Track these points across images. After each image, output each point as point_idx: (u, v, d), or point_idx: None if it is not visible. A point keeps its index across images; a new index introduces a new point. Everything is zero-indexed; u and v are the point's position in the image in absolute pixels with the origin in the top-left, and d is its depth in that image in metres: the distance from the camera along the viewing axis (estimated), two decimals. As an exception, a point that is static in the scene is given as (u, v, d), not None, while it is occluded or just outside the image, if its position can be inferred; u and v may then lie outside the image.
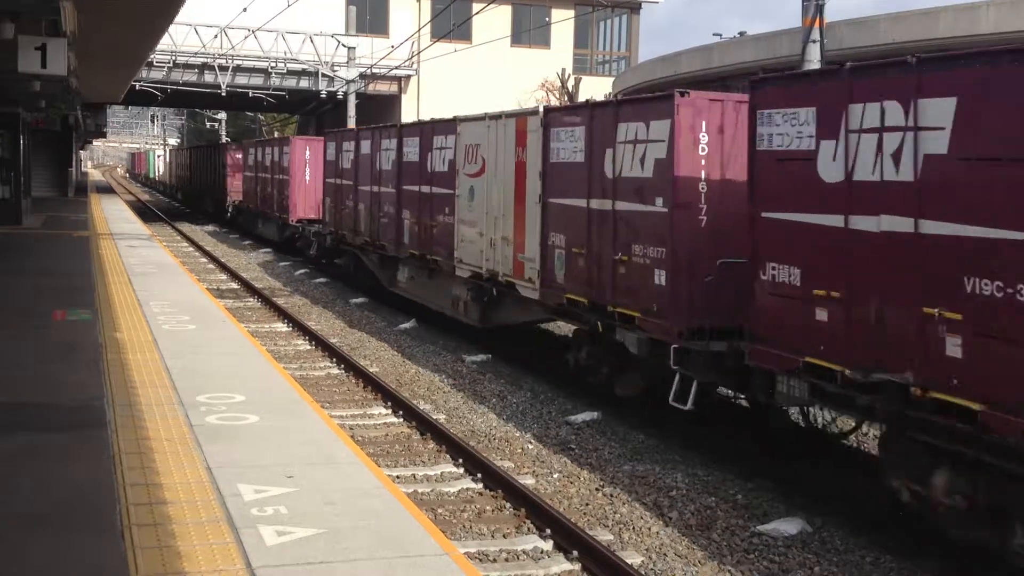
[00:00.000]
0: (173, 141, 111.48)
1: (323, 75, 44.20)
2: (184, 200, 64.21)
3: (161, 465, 7.07)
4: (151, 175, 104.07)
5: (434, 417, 12.32)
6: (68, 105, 32.02)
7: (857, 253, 8.38)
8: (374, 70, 40.51)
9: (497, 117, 15.67)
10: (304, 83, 44.93)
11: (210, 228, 45.32)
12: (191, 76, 43.98)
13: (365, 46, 43.06)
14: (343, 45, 43.12)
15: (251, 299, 22.88)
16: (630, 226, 11.77)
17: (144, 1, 15.34)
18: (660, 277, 11.13)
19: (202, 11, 38.90)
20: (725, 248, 10.58)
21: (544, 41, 49.31)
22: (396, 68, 41.58)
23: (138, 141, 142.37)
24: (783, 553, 8.54)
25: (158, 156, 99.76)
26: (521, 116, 14.99)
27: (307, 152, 30.77)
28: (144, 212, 51.03)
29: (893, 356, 7.97)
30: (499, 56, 45.32)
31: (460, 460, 10.68)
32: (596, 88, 42.92)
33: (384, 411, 12.91)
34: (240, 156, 42.32)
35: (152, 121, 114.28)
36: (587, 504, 9.63)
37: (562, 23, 46.65)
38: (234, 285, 25.27)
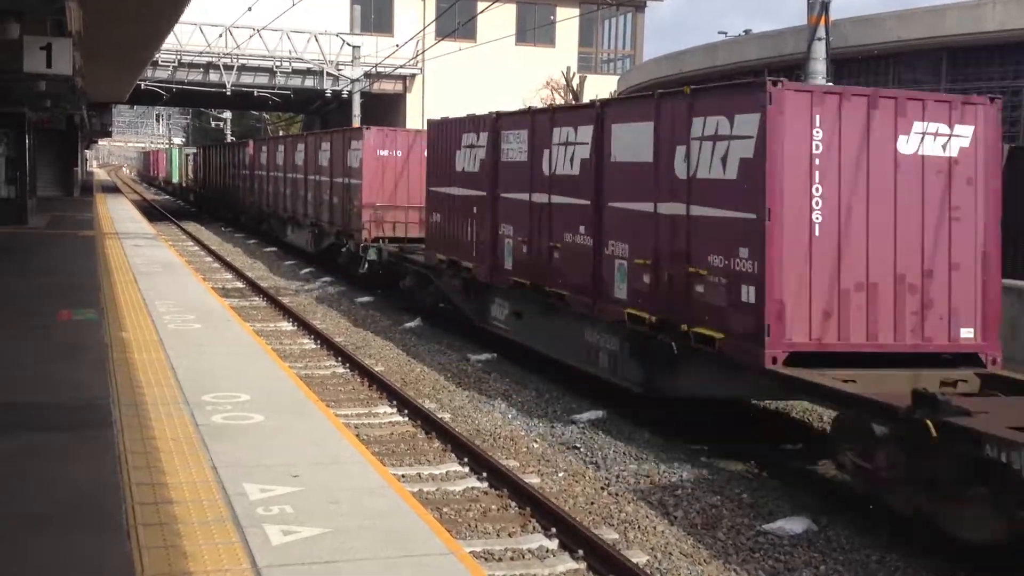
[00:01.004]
0: (178, 140, 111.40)
1: (328, 74, 44.24)
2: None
3: (167, 464, 7.07)
4: (175, 180, 74.87)
5: (439, 416, 12.32)
6: (73, 105, 32.08)
7: None
8: (379, 69, 40.51)
9: None
10: (309, 82, 44.99)
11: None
12: (196, 75, 44.08)
13: (370, 45, 43.08)
14: (348, 44, 43.12)
15: (256, 298, 22.89)
16: None
17: (149, 1, 15.37)
18: None
19: (207, 10, 38.98)
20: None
21: (549, 40, 49.29)
22: (401, 67, 41.61)
23: (143, 140, 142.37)
24: (788, 552, 8.53)
25: (188, 155, 68.90)
26: None
27: (818, 128, 10.09)
28: (150, 212, 51.09)
29: None
30: (503, 55, 45.30)
31: (465, 459, 10.68)
32: (601, 87, 42.87)
33: (389, 410, 12.91)
34: (396, 152, 23.29)
35: (157, 120, 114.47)
36: (592, 503, 9.62)
37: (567, 22, 46.63)
38: (239, 284, 25.29)
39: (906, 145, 10.14)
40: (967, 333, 9.22)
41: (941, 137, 10.16)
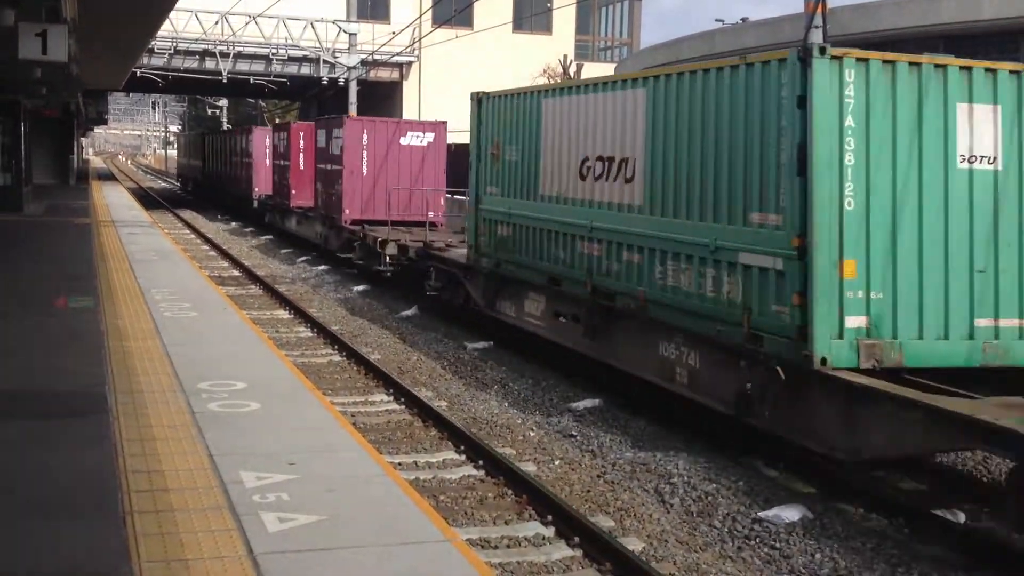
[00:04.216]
0: (175, 128, 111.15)
1: (324, 62, 44.12)
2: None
3: (163, 452, 7.07)
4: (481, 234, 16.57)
5: (435, 404, 12.32)
6: (69, 92, 31.98)
7: None
8: (375, 56, 40.43)
9: None
10: (305, 69, 44.86)
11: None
12: (192, 63, 43.93)
13: (366, 32, 42.98)
14: (344, 31, 43.01)
15: (253, 286, 22.87)
16: None
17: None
18: None
19: (203, -2, 38.87)
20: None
21: (546, 27, 49.20)
22: (397, 55, 41.51)
23: (139, 128, 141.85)
24: (784, 539, 8.54)
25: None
26: None
27: None
28: (146, 199, 50.96)
29: None
30: (501, 42, 45.23)
31: (462, 447, 10.69)
32: (598, 74, 42.78)
33: (386, 398, 12.91)
34: None
35: (153, 108, 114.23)
36: (588, 491, 9.63)
37: (564, 9, 46.53)
38: (236, 272, 25.26)
39: None
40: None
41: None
